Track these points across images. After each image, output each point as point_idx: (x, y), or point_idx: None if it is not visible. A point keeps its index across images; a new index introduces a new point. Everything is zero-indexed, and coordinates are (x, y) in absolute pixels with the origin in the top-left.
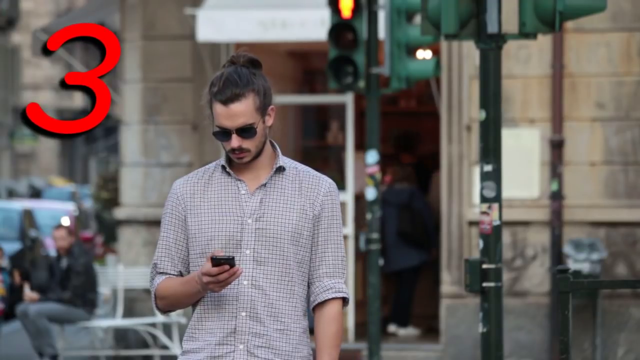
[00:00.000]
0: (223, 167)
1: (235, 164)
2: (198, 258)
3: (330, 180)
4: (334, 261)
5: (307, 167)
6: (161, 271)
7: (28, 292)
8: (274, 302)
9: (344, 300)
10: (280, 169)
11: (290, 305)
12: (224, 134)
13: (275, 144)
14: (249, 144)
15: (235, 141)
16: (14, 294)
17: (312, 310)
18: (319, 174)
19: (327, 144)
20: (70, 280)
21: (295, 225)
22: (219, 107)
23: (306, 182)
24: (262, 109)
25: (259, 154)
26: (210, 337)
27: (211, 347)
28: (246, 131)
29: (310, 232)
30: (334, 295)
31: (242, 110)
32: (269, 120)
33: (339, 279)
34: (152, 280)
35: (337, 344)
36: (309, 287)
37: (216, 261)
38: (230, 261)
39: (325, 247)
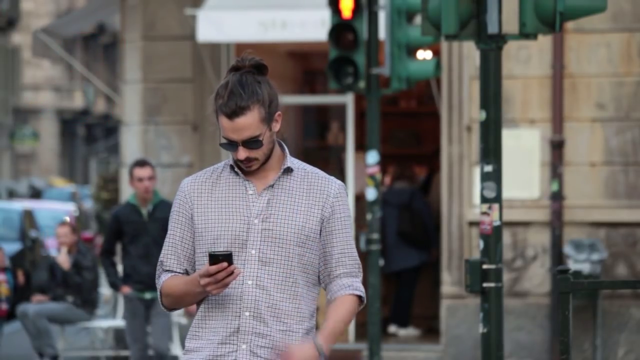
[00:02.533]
0: (231, 166)
1: None
2: (204, 257)
3: (339, 182)
4: (351, 262)
5: (315, 168)
6: (167, 269)
7: (62, 257)
8: (277, 302)
9: (361, 300)
10: (288, 170)
11: (293, 306)
12: (230, 145)
13: (284, 145)
14: (256, 154)
15: (242, 153)
16: (16, 295)
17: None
18: (327, 175)
19: (328, 144)
20: (72, 278)
21: (301, 226)
22: (224, 120)
23: (315, 184)
24: (268, 118)
25: (267, 159)
26: (213, 336)
27: (214, 346)
28: (252, 143)
29: (317, 234)
30: (351, 292)
31: (247, 124)
32: (276, 126)
33: (356, 278)
34: (158, 277)
35: (345, 320)
36: (325, 287)
37: (214, 258)
38: (227, 257)
39: (342, 249)
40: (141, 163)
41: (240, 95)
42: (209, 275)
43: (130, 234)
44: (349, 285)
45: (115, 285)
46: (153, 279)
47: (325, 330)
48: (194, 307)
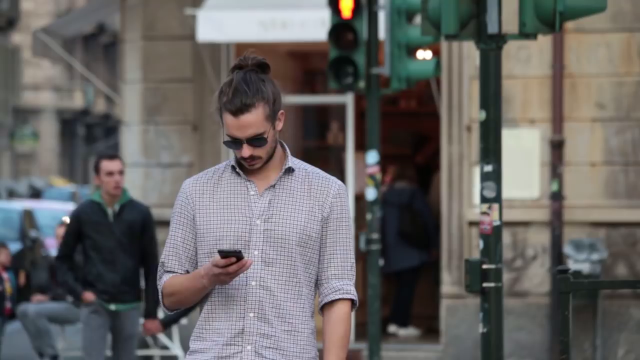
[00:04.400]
0: (233, 167)
1: None
2: (206, 257)
3: (339, 182)
4: (343, 263)
5: (316, 168)
6: (168, 270)
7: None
8: (281, 303)
9: (352, 303)
10: (289, 170)
11: (298, 306)
12: (234, 143)
13: (285, 145)
14: (260, 152)
15: (247, 150)
16: (17, 295)
17: (320, 311)
18: (328, 175)
19: (328, 144)
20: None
21: (303, 226)
22: (228, 118)
23: (315, 183)
24: (272, 116)
25: (270, 158)
26: (218, 338)
27: (219, 348)
28: (257, 140)
29: (319, 234)
30: (341, 296)
31: (251, 121)
32: (279, 125)
33: (347, 280)
34: (160, 278)
35: (345, 344)
36: (317, 288)
37: (223, 254)
38: (237, 254)
39: (334, 249)
40: (110, 156)
41: (245, 92)
42: (218, 267)
43: (92, 237)
44: (339, 288)
45: (75, 293)
46: (119, 289)
47: None
48: (157, 325)
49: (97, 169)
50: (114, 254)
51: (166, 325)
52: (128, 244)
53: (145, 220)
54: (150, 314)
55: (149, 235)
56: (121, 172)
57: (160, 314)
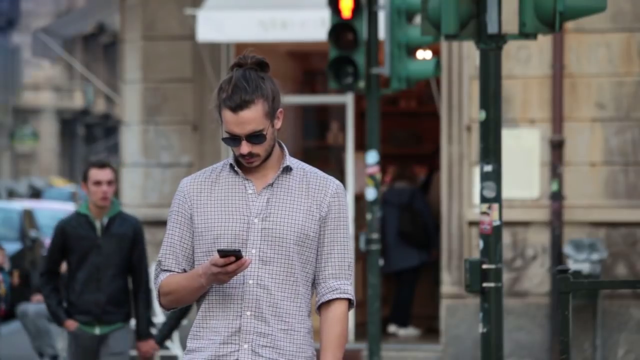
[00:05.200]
0: (231, 165)
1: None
2: (204, 256)
3: (337, 182)
4: (340, 262)
5: (314, 168)
6: (165, 268)
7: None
8: (278, 302)
9: (350, 302)
10: (287, 169)
11: (295, 305)
12: (233, 140)
13: (282, 144)
14: (259, 149)
15: (245, 147)
16: (13, 295)
17: (317, 310)
18: (326, 175)
19: (328, 144)
20: None
21: (301, 226)
22: (228, 114)
23: (313, 183)
24: (271, 114)
25: (268, 156)
26: (214, 336)
27: (215, 346)
28: (256, 137)
29: (316, 233)
30: (338, 296)
31: (251, 117)
32: (278, 123)
33: (344, 280)
34: (156, 277)
35: (342, 344)
36: (314, 288)
37: (223, 253)
38: (236, 253)
39: (331, 249)
40: (100, 164)
41: (244, 89)
42: (217, 266)
43: (78, 252)
44: (336, 288)
45: (57, 318)
46: (103, 309)
47: None
48: (152, 345)
49: (84, 177)
50: (101, 271)
51: (161, 342)
52: (117, 260)
53: (136, 234)
54: (142, 334)
55: (140, 250)
56: (110, 183)
57: (153, 330)
